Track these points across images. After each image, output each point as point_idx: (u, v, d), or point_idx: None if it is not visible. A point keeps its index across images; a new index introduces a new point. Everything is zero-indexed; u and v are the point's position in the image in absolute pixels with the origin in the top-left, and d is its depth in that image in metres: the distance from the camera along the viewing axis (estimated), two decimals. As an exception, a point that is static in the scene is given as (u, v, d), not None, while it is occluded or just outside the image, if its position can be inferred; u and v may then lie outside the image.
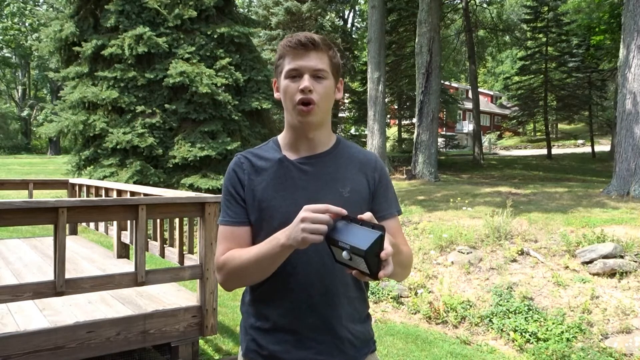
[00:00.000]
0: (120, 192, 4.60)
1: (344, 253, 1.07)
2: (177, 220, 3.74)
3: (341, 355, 1.33)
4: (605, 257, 5.15)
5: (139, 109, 10.24)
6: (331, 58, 1.33)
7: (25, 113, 38.79)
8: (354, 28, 32.04)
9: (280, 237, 1.18)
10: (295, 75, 1.29)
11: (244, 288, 1.43)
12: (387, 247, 1.06)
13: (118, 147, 9.97)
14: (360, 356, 1.38)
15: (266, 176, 1.33)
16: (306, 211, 1.13)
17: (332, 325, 1.31)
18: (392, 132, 32.59)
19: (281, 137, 1.42)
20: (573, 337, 4.35)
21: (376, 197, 1.40)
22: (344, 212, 1.13)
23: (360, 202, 1.35)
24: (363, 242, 1.04)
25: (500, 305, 4.92)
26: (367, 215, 1.11)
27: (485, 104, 41.01)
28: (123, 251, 4.70)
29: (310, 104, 1.28)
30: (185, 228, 4.36)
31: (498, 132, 40.85)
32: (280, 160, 1.35)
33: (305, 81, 1.27)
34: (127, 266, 4.20)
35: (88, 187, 5.61)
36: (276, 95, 1.39)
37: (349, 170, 1.37)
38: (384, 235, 1.05)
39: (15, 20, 36.21)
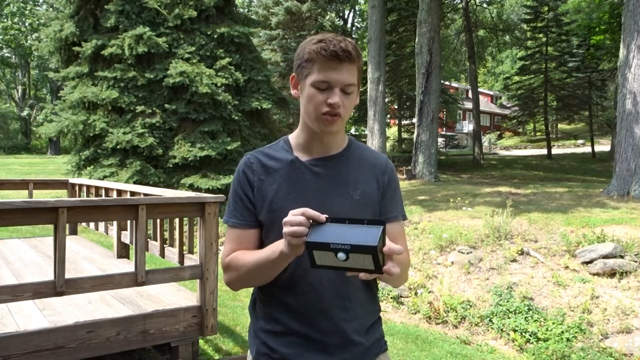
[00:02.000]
0: (120, 192, 4.60)
1: (340, 254, 1.06)
2: (177, 220, 3.73)
3: (352, 357, 1.33)
4: (605, 257, 5.15)
5: (139, 109, 10.24)
6: (359, 69, 1.30)
7: (25, 113, 38.78)
8: (354, 28, 32.05)
9: (280, 244, 1.19)
10: (325, 88, 1.25)
11: (252, 290, 1.43)
12: (390, 243, 1.07)
13: (118, 147, 9.97)
14: (371, 356, 1.38)
15: (277, 177, 1.32)
16: (287, 217, 1.13)
17: (343, 327, 1.31)
18: (392, 132, 32.60)
19: (293, 137, 1.40)
20: (573, 337, 4.34)
21: (383, 199, 1.39)
22: (322, 218, 1.11)
23: (370, 205, 1.35)
24: (369, 239, 1.04)
25: (500, 305, 4.92)
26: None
27: (485, 104, 40.99)
28: (123, 251, 4.70)
29: (336, 116, 1.26)
30: (185, 228, 4.36)
31: (498, 132, 40.85)
32: (292, 161, 1.34)
33: (336, 97, 1.24)
34: (127, 266, 4.20)
35: (88, 187, 5.60)
36: (293, 92, 1.35)
37: (360, 173, 1.37)
38: (385, 227, 1.06)
39: (15, 20, 36.20)
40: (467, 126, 41.80)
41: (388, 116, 22.67)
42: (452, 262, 5.93)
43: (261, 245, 1.34)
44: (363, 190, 1.34)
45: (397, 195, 1.44)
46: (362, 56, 1.32)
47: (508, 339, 4.56)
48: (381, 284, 5.72)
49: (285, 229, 1.12)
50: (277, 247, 1.20)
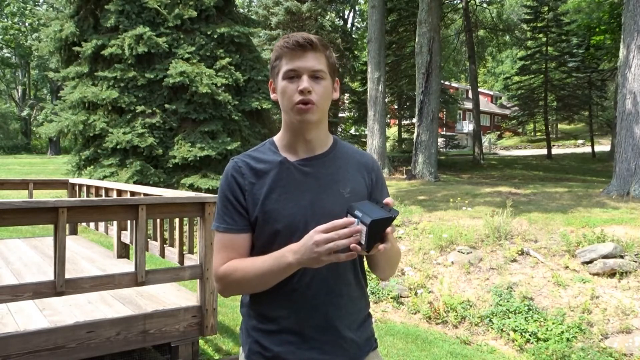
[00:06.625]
0: (120, 192, 4.60)
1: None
2: (177, 220, 3.74)
3: (345, 354, 1.33)
4: (605, 257, 5.15)
5: (139, 109, 10.24)
6: (328, 58, 1.33)
7: (25, 113, 38.76)
8: (354, 28, 32.03)
9: (287, 256, 1.18)
10: (293, 76, 1.28)
11: None
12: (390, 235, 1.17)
13: (118, 147, 9.97)
14: (363, 354, 1.39)
15: (268, 179, 1.32)
16: (318, 233, 1.13)
17: (335, 324, 1.32)
18: (392, 132, 32.57)
19: (278, 139, 1.41)
20: (573, 337, 4.34)
21: (373, 197, 1.41)
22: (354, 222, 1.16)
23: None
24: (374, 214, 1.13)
25: (500, 305, 4.92)
26: (390, 200, 1.20)
27: (485, 104, 40.99)
28: (123, 251, 4.70)
29: (309, 103, 1.28)
30: (185, 228, 4.36)
31: (498, 132, 40.83)
32: (281, 162, 1.34)
33: (305, 82, 1.27)
34: (127, 266, 4.20)
35: (88, 187, 5.61)
36: (273, 96, 1.38)
37: (347, 171, 1.38)
38: (392, 219, 1.15)
39: (15, 20, 36.21)
40: (467, 126, 41.80)
41: (388, 116, 22.65)
42: (452, 262, 5.93)
43: (254, 246, 1.34)
44: (352, 188, 1.36)
45: (385, 192, 1.47)
46: (330, 49, 1.35)
47: (508, 339, 4.56)
48: (381, 282, 5.72)
49: (324, 248, 1.12)
50: (284, 259, 1.19)
